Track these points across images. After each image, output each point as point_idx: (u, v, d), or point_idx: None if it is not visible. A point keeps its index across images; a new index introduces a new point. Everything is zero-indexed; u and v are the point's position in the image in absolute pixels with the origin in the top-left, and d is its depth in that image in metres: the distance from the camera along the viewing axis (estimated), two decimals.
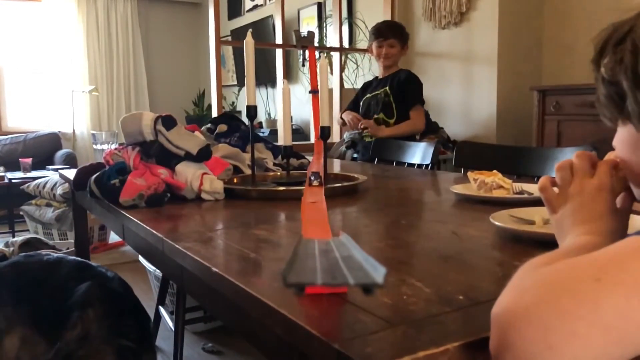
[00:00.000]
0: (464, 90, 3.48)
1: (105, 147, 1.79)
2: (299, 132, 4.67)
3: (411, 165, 2.21)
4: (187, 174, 1.28)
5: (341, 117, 3.21)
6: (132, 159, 1.29)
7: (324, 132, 1.47)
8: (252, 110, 1.38)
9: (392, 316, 0.54)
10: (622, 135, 0.62)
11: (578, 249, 0.56)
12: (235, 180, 1.45)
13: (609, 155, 0.66)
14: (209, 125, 1.80)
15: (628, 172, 0.63)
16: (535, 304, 0.42)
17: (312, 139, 4.11)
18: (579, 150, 0.67)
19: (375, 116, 3.06)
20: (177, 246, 0.84)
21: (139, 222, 1.04)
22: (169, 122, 1.32)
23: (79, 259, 1.51)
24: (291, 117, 3.98)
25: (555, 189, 0.67)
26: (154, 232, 0.94)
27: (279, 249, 0.83)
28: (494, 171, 1.27)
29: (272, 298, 0.59)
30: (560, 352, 0.40)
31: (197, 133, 1.51)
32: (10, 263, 1.47)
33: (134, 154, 1.30)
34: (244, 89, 1.37)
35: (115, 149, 1.35)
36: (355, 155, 3.21)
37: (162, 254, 0.92)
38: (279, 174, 1.59)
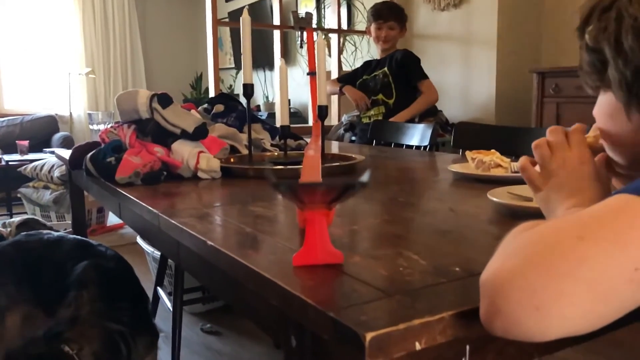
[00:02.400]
0: (463, 72, 3.46)
1: (101, 127, 1.78)
2: (297, 116, 4.64)
3: (409, 147, 2.21)
4: (184, 152, 1.27)
5: (341, 90, 3.17)
6: (127, 137, 1.28)
7: (322, 112, 1.46)
8: (248, 89, 1.36)
9: (388, 286, 0.53)
10: (602, 104, 0.62)
11: None
12: (232, 160, 1.44)
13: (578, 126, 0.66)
14: (205, 105, 1.79)
15: (606, 140, 0.63)
16: (520, 267, 0.42)
17: (310, 122, 4.09)
18: (551, 126, 0.67)
19: (374, 97, 3.05)
20: (172, 221, 0.83)
21: (135, 199, 1.03)
22: (164, 100, 1.31)
23: (79, 237, 1.51)
24: (289, 101, 3.96)
25: (537, 168, 0.67)
26: (150, 208, 0.94)
27: (275, 224, 0.83)
28: (492, 150, 1.27)
29: (268, 270, 0.59)
30: (547, 312, 0.40)
31: (193, 112, 1.50)
32: (12, 242, 1.47)
33: (130, 132, 1.29)
34: (242, 72, 1.37)
35: (111, 127, 1.34)
36: (353, 138, 3.20)
37: (159, 230, 0.91)
38: (276, 154, 1.58)
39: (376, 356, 0.43)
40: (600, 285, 0.40)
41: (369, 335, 0.42)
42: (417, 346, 0.45)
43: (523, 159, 0.68)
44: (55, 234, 1.52)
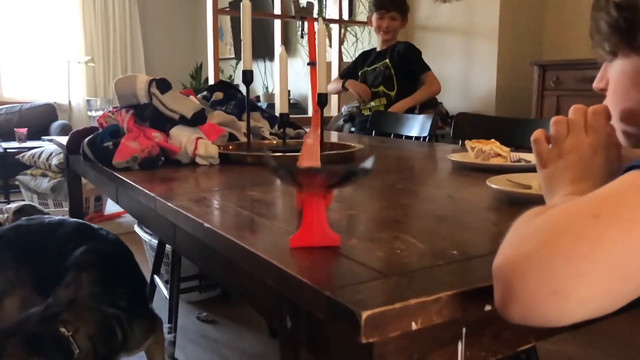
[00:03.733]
0: (464, 65, 3.45)
1: (100, 113, 1.77)
2: (296, 107, 4.63)
3: (409, 137, 2.20)
4: (182, 138, 1.26)
5: (343, 86, 3.16)
6: (125, 122, 1.27)
7: (321, 100, 1.45)
8: (248, 75, 1.35)
9: (385, 267, 0.53)
10: (623, 69, 0.59)
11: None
12: (230, 147, 1.43)
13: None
14: (205, 93, 1.78)
15: (625, 112, 0.61)
16: (536, 249, 0.41)
17: (310, 113, 4.08)
18: (576, 104, 0.65)
19: (374, 89, 3.04)
20: (169, 204, 0.83)
21: (132, 183, 1.03)
22: (163, 85, 1.30)
23: (80, 220, 1.51)
24: (289, 91, 3.94)
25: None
26: (147, 191, 0.93)
27: (273, 208, 0.83)
28: (492, 140, 1.26)
29: (264, 251, 0.58)
30: (566, 295, 0.39)
31: (192, 98, 1.49)
32: (12, 226, 1.47)
33: (128, 117, 1.28)
34: (242, 62, 1.35)
35: (109, 111, 1.33)
36: (352, 129, 3.19)
37: (155, 213, 0.91)
38: (275, 142, 1.57)
39: (372, 335, 0.43)
40: (618, 264, 0.39)
41: (364, 314, 0.42)
42: (413, 326, 0.45)
43: (538, 131, 0.65)
44: (56, 217, 1.51)
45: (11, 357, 1.05)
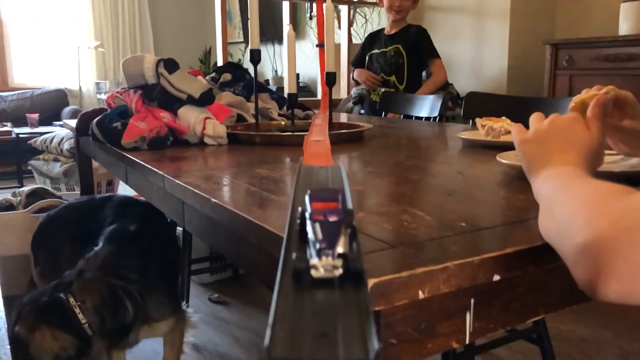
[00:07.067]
0: (475, 45, 3.40)
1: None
2: (305, 90, 4.62)
3: (419, 118, 2.18)
4: (190, 118, 1.26)
5: (353, 78, 3.15)
6: (134, 103, 1.27)
7: (330, 79, 1.44)
8: (255, 54, 1.34)
9: (392, 239, 0.53)
10: None
11: (579, 177, 0.53)
12: (238, 128, 1.43)
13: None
14: (213, 74, 1.77)
15: None
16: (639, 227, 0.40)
17: (319, 96, 4.06)
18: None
19: (386, 77, 3.01)
20: (177, 181, 0.83)
21: (141, 162, 1.03)
22: (171, 65, 1.29)
23: (127, 195, 1.57)
24: (298, 75, 3.92)
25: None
26: (155, 170, 0.93)
27: (281, 184, 0.82)
28: (503, 117, 1.25)
29: (272, 223, 0.58)
30: None
31: (199, 78, 1.48)
32: (64, 206, 1.56)
33: (136, 98, 1.28)
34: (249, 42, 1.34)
35: (117, 92, 1.33)
36: (362, 111, 3.17)
37: (164, 192, 0.91)
38: (283, 123, 1.57)
39: (378, 303, 0.43)
40: None
41: (371, 281, 0.42)
42: (420, 295, 0.44)
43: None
44: (106, 194, 1.57)
45: (24, 323, 1.11)
